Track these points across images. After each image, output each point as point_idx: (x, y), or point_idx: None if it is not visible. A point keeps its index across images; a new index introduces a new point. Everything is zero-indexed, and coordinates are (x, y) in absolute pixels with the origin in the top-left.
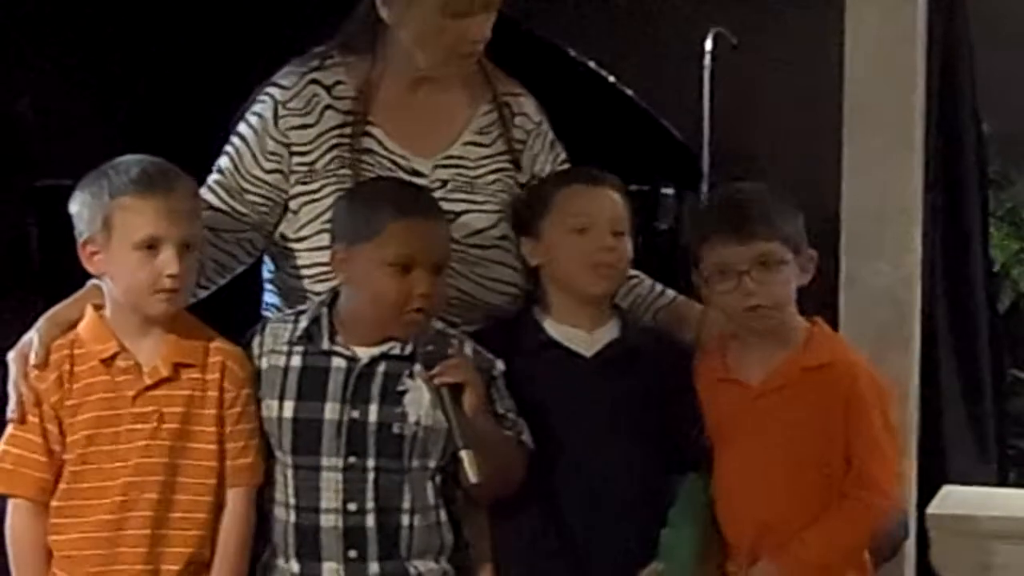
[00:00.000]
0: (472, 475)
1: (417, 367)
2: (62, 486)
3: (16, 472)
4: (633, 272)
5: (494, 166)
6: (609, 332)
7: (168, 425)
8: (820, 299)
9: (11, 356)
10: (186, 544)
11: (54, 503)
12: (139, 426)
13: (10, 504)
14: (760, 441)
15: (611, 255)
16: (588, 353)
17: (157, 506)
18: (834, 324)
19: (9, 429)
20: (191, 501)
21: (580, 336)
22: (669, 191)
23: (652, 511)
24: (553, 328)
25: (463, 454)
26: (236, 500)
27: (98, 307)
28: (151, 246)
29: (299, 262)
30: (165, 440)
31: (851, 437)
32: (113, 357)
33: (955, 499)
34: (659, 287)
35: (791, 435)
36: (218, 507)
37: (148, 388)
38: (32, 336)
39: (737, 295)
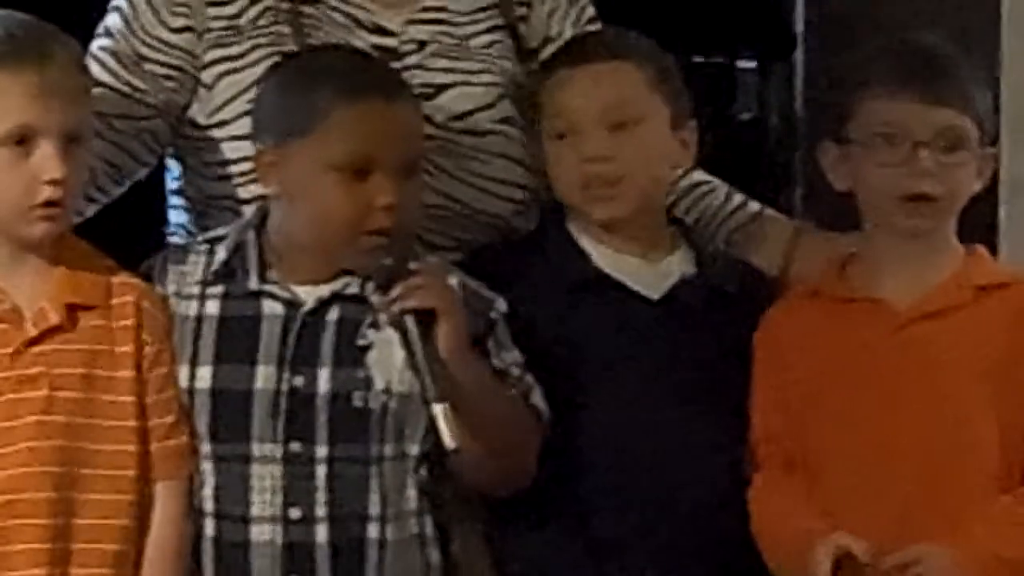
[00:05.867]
0: (448, 439)
1: (375, 297)
2: None
3: None
4: (704, 177)
5: (490, 23)
6: (679, 264)
7: (64, 393)
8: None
9: None
10: (101, 562)
11: None
12: (24, 395)
13: None
14: (908, 387)
15: None
16: (654, 295)
17: (56, 510)
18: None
19: None
20: (105, 502)
21: (638, 268)
22: (751, 65)
23: (741, 511)
24: (600, 255)
25: (436, 410)
26: (168, 497)
27: None
28: (21, 140)
29: (219, 157)
30: (61, 415)
31: None
32: None
33: None
34: (738, 198)
35: (956, 378)
36: (142, 508)
37: (33, 341)
38: None
39: (904, 173)
